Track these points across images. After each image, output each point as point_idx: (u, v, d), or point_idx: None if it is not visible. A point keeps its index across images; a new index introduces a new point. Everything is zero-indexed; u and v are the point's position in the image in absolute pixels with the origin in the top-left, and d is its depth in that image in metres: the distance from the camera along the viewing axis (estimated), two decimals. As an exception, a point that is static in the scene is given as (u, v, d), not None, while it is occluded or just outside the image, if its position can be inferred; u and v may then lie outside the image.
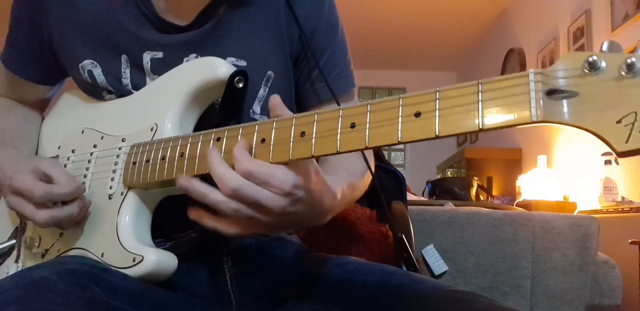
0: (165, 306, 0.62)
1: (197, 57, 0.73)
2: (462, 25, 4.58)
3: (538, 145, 3.34)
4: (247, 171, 0.51)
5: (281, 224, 0.56)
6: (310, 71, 0.80)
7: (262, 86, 0.76)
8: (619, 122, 0.38)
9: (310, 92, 0.80)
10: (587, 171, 2.68)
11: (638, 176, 2.33)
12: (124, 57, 0.74)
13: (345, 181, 0.65)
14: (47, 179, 0.66)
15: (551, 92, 0.41)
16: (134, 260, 0.61)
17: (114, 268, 0.62)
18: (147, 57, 0.73)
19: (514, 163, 3.67)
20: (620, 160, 2.38)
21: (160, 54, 0.73)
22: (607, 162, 2.39)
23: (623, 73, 0.38)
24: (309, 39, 0.78)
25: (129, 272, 0.61)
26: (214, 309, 0.68)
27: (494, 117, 0.42)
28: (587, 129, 0.39)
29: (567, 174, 2.92)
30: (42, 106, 0.91)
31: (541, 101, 0.41)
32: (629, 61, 0.38)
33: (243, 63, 0.74)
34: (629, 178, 2.38)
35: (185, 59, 0.73)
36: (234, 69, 0.65)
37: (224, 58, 0.73)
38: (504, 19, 4.34)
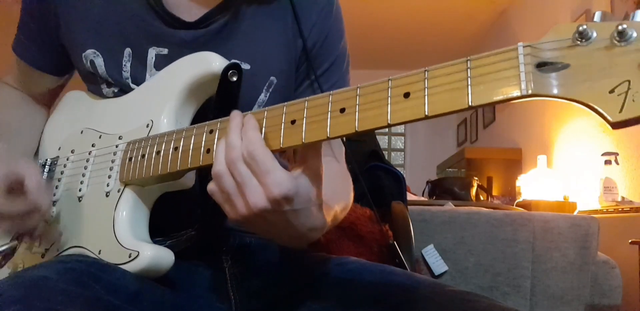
0: (165, 305, 0.61)
1: None
2: (462, 25, 4.58)
3: (538, 145, 3.34)
4: (252, 154, 0.50)
5: (257, 225, 0.54)
6: (308, 75, 0.80)
7: (264, 90, 0.76)
8: (611, 92, 0.36)
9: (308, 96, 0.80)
10: (587, 171, 2.68)
11: (638, 176, 2.33)
12: (127, 51, 0.74)
13: (334, 213, 0.64)
14: (19, 187, 0.64)
15: (541, 65, 0.39)
16: (129, 256, 0.61)
17: (112, 265, 0.61)
18: (152, 53, 0.73)
19: (514, 163, 3.66)
20: (620, 160, 2.37)
21: (165, 51, 0.73)
22: (607, 162, 2.39)
23: (615, 41, 0.37)
24: (311, 49, 0.78)
25: (126, 268, 0.61)
26: (214, 308, 0.68)
27: (483, 93, 0.41)
28: (578, 100, 0.37)
29: (567, 174, 2.92)
30: (50, 100, 0.90)
31: (531, 75, 0.39)
32: (620, 28, 0.36)
33: (247, 66, 0.74)
34: (629, 178, 2.38)
35: None
36: (227, 62, 0.65)
37: (228, 60, 0.73)
38: (504, 19, 4.34)
